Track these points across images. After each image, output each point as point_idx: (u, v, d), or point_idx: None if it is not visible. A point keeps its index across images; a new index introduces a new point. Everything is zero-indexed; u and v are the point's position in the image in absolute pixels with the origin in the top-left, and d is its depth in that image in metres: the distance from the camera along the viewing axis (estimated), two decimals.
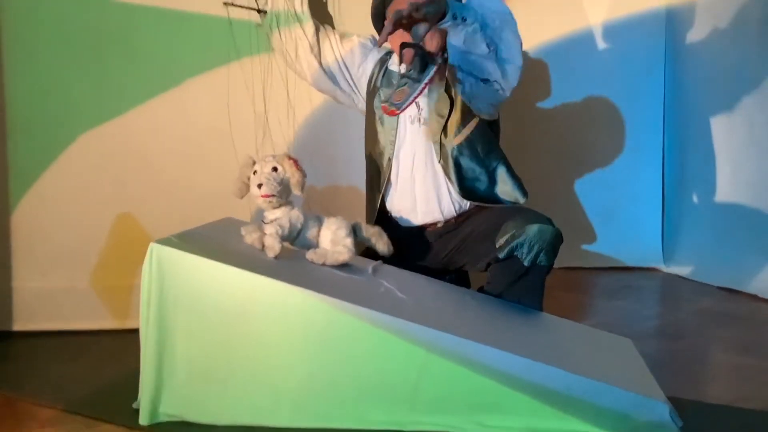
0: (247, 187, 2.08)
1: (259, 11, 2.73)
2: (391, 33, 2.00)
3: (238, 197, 2.10)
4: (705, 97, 3.69)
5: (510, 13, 2.11)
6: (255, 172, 2.06)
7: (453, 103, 2.35)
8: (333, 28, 2.70)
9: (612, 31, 3.83)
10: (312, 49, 2.56)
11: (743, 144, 3.52)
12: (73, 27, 2.75)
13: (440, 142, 2.37)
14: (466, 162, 2.38)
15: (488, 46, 2.09)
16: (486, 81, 2.16)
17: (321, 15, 2.78)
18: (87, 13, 2.74)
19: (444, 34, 2.08)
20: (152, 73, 2.82)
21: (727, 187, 3.63)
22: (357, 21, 2.88)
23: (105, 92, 2.78)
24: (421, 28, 2.02)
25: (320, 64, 2.56)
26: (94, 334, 2.72)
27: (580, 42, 3.81)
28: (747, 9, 3.40)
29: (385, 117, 2.43)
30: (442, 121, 2.35)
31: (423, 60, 2.11)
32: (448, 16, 2.03)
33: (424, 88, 2.10)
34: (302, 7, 2.58)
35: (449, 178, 2.37)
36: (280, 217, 2.04)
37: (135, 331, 1.88)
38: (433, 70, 2.13)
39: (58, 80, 2.75)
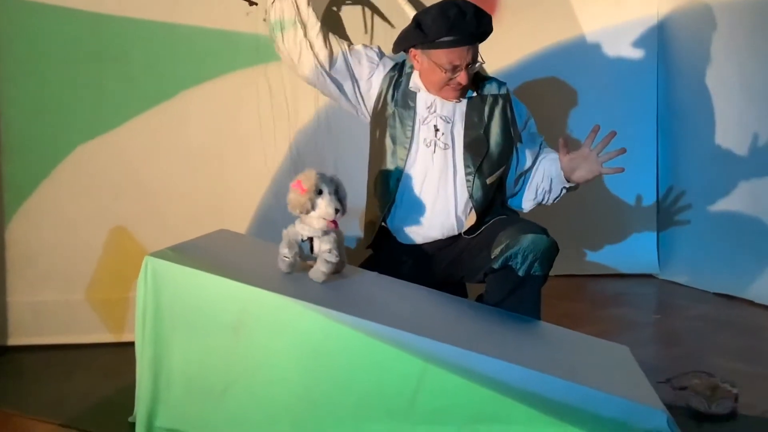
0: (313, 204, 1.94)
1: (250, 3, 2.73)
2: None
3: (301, 213, 1.94)
4: (698, 105, 3.70)
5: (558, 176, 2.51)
6: (321, 192, 1.94)
7: (489, 146, 2.40)
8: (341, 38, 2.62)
9: (605, 40, 3.83)
10: (320, 53, 2.47)
11: (737, 150, 3.52)
12: (67, 40, 2.75)
13: (474, 175, 2.39)
14: (486, 199, 2.42)
15: (533, 163, 2.54)
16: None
17: (329, 24, 2.76)
18: (82, 27, 2.74)
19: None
20: (147, 86, 2.82)
21: (722, 194, 3.63)
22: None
23: (99, 105, 2.79)
24: None
25: (328, 69, 2.48)
26: (90, 348, 2.71)
27: (573, 51, 3.80)
28: (739, 17, 3.41)
29: (399, 136, 2.41)
30: (478, 159, 2.38)
31: None
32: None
33: None
34: (308, 12, 2.50)
35: (475, 210, 2.40)
36: (327, 242, 1.95)
37: (131, 345, 1.87)
38: None
39: (53, 94, 2.75)
